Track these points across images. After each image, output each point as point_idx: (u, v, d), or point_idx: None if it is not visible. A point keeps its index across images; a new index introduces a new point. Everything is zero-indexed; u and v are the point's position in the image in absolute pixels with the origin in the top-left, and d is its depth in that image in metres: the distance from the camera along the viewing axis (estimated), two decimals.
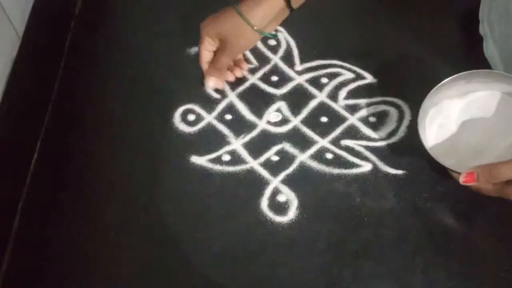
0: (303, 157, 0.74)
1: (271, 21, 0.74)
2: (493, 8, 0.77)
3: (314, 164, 0.73)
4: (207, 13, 0.79)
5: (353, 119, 0.77)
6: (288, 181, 0.72)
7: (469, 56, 0.79)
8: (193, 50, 0.83)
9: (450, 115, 0.69)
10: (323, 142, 0.75)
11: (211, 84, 0.79)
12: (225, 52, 0.75)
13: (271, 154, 0.74)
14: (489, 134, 0.67)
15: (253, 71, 0.81)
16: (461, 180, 0.62)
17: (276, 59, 0.83)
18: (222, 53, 0.75)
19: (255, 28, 0.72)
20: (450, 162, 0.65)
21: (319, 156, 0.74)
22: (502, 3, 0.74)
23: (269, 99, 0.79)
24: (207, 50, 0.76)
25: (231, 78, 0.79)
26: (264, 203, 0.70)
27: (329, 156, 0.74)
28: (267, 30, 0.75)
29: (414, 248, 0.67)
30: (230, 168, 0.73)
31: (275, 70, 0.82)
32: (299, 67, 0.82)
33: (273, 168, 0.73)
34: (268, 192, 0.71)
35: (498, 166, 0.59)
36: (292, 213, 0.69)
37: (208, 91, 0.79)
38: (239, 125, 0.76)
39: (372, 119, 0.77)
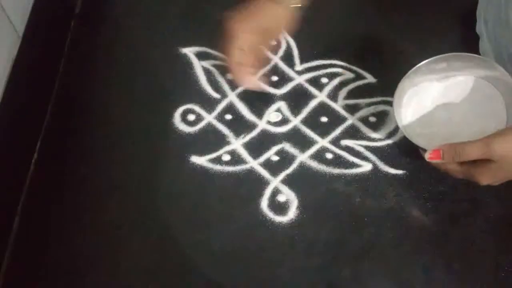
0: (303, 157, 0.74)
1: None
2: (489, 7, 0.78)
3: (314, 164, 0.73)
4: (207, 12, 0.79)
5: (353, 119, 0.77)
6: (288, 181, 0.72)
7: None
8: (193, 49, 0.83)
9: (428, 97, 0.69)
10: (323, 142, 0.75)
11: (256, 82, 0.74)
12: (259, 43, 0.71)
13: (271, 154, 0.74)
14: (464, 118, 0.68)
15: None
16: (427, 156, 0.62)
17: (276, 59, 0.83)
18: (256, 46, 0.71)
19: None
20: (423, 142, 0.65)
21: (319, 156, 0.74)
22: (497, 2, 0.74)
23: (269, 99, 0.79)
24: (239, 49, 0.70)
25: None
26: (264, 203, 0.70)
27: (329, 156, 0.74)
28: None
29: (414, 248, 0.67)
30: (230, 168, 0.73)
31: (275, 70, 0.82)
32: (299, 67, 0.82)
33: (273, 168, 0.73)
34: (268, 192, 0.71)
35: (464, 144, 0.59)
36: (292, 213, 0.69)
37: (208, 91, 0.79)
38: (239, 125, 0.76)
39: (372, 119, 0.77)
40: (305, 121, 0.77)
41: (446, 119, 0.68)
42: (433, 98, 0.69)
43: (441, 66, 0.67)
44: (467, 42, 0.80)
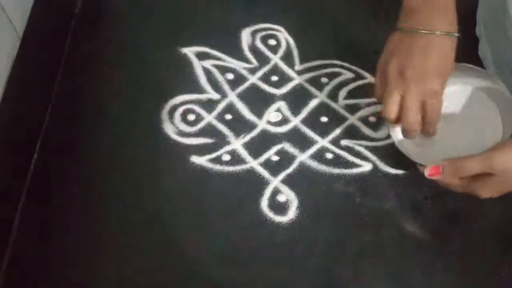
0: (303, 157, 0.74)
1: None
2: (488, 11, 0.78)
3: (314, 164, 0.73)
4: (207, 12, 0.78)
5: (353, 119, 0.77)
6: (288, 181, 0.72)
7: (465, 56, 0.79)
8: (193, 49, 0.83)
9: None
10: (323, 142, 0.75)
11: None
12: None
13: (271, 154, 0.74)
14: (460, 129, 0.67)
15: (253, 71, 0.81)
16: (427, 173, 0.61)
17: (276, 59, 0.83)
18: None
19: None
20: (420, 157, 0.64)
21: (319, 156, 0.74)
22: (495, 7, 0.74)
23: (269, 99, 0.79)
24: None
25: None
26: (264, 203, 0.70)
27: (329, 156, 0.74)
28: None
29: (414, 248, 0.67)
30: (230, 168, 0.73)
31: (275, 70, 0.82)
32: (299, 67, 0.82)
33: (273, 168, 0.73)
34: (268, 192, 0.71)
35: (464, 160, 0.58)
36: (292, 213, 0.69)
37: (209, 91, 0.79)
38: (239, 125, 0.76)
39: (372, 119, 0.77)
40: (305, 121, 0.77)
41: (442, 131, 0.67)
42: None
43: None
44: (466, 43, 0.80)
